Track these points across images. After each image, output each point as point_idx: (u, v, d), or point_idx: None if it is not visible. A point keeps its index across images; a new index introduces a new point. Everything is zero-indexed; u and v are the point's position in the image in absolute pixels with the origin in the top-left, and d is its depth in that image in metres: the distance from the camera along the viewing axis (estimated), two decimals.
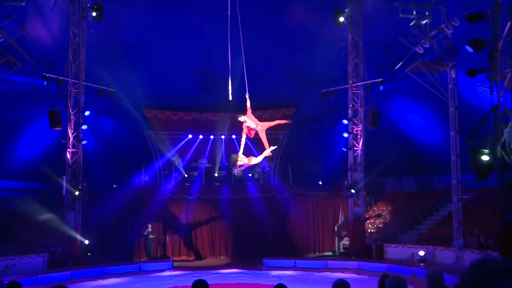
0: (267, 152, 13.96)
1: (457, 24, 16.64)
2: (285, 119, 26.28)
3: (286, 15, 22.29)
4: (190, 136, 26.45)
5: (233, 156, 14.68)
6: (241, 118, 14.06)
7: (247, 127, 13.98)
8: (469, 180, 20.27)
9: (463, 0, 17.07)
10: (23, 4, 17.55)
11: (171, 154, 26.14)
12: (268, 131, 26.29)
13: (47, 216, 21.85)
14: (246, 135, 14.05)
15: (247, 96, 14.38)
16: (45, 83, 19.95)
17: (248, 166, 14.94)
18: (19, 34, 18.04)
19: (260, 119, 26.08)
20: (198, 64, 24.46)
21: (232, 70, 22.64)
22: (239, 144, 26.60)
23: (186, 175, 26.13)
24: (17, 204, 24.11)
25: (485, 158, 14.86)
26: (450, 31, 17.05)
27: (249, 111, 14.19)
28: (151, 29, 23.02)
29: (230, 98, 15.09)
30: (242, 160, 14.13)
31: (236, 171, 14.40)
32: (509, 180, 14.10)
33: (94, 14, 19.91)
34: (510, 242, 14.11)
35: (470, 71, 15.51)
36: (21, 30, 18.17)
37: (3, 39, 16.16)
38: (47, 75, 20.00)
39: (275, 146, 14.77)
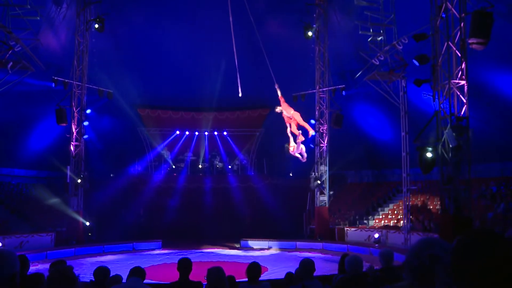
0: (300, 137, 13.82)
1: (406, 41, 17.09)
2: (260, 118, 26.74)
3: (263, 28, 22.49)
4: (177, 132, 26.72)
5: (286, 145, 14.31)
6: (278, 109, 13.83)
7: (284, 116, 13.68)
8: (416, 174, 20.54)
9: (411, 22, 17.39)
10: (38, 18, 17.87)
11: (161, 148, 26.33)
12: (245, 128, 26.75)
13: (54, 200, 22.00)
14: (289, 124, 13.80)
15: (276, 87, 14.27)
16: (53, 85, 20.04)
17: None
18: (33, 43, 18.29)
19: (239, 118, 26.69)
20: (186, 68, 24.43)
21: (216, 73, 22.86)
22: (220, 140, 27.09)
23: (174, 166, 26.31)
24: (29, 190, 24.29)
25: (429, 155, 15.30)
26: (401, 47, 17.51)
27: (281, 101, 13.93)
28: (145, 38, 22.98)
29: (240, 94, 15.19)
30: (292, 147, 14.07)
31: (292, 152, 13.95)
32: (447, 174, 14.36)
33: (96, 26, 20.21)
34: (447, 225, 14.32)
35: (417, 81, 15.94)
36: (35, 40, 18.38)
37: (20, 48, 16.36)
38: (55, 78, 20.14)
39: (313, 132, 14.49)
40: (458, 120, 14.04)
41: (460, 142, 13.78)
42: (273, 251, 21.15)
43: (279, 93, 14.07)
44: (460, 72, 14.04)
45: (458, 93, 14.20)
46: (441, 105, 14.82)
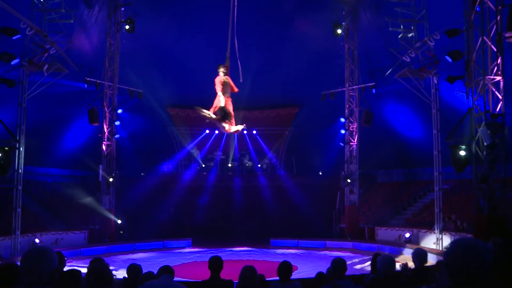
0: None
1: (438, 37, 16.70)
2: (290, 117, 26.66)
3: (293, 27, 22.41)
4: (207, 131, 26.81)
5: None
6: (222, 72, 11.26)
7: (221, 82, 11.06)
8: (448, 172, 20.21)
9: (444, 17, 17.06)
10: (71, 21, 18.27)
11: (191, 147, 26.54)
12: (274, 127, 26.71)
13: (87, 199, 22.39)
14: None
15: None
16: (85, 86, 20.42)
17: None
18: (67, 45, 18.65)
19: (268, 117, 26.66)
20: (216, 67, 24.48)
21: (245, 71, 22.87)
22: (250, 139, 26.98)
23: (203, 165, 26.50)
24: (63, 188, 24.82)
25: (462, 153, 15.09)
26: (433, 43, 17.13)
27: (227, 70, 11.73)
28: (174, 38, 23.19)
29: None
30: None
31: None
32: (482, 173, 14.11)
33: (127, 27, 20.49)
34: (481, 225, 14.10)
35: (450, 78, 15.71)
36: (69, 42, 18.79)
37: (54, 51, 16.76)
38: (88, 79, 20.52)
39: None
40: (493, 117, 13.71)
41: (495, 140, 13.49)
42: (303, 250, 21.03)
43: (227, 62, 11.73)
44: (496, 68, 13.72)
45: (493, 89, 13.89)
46: (475, 102, 14.55)
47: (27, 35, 15.76)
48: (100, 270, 2.84)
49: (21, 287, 2.33)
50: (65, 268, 5.29)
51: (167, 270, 4.76)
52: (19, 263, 2.51)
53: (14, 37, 14.69)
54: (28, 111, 17.11)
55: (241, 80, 12.27)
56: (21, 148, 16.38)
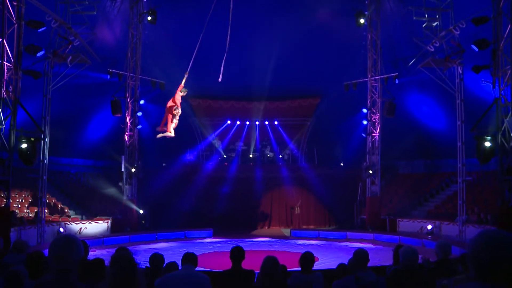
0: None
1: (464, 26, 16.34)
2: (311, 107, 26.54)
3: (314, 17, 22.23)
4: (228, 122, 26.93)
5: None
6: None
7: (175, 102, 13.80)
8: (471, 164, 19.88)
9: (470, 5, 16.72)
10: (95, 12, 18.44)
11: (212, 138, 26.64)
12: (296, 118, 26.72)
13: (110, 189, 22.79)
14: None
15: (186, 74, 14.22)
16: (108, 77, 20.60)
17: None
18: (90, 37, 18.90)
19: (289, 107, 26.59)
20: (237, 58, 24.45)
21: (266, 62, 22.81)
22: (271, 129, 27.01)
23: (225, 156, 26.59)
24: (86, 179, 25.29)
25: (487, 144, 14.83)
26: (458, 32, 16.76)
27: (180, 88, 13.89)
28: (195, 28, 23.24)
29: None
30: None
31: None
32: (507, 164, 13.95)
33: (149, 18, 20.62)
34: (506, 218, 13.90)
35: (475, 67, 15.37)
36: (92, 34, 19.02)
37: (78, 42, 16.96)
38: (110, 70, 20.66)
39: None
40: None
41: None
42: (324, 241, 21.04)
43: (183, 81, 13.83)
44: None
45: None
46: (502, 92, 14.33)
47: (51, 27, 16.00)
48: (125, 259, 2.89)
49: (49, 275, 2.40)
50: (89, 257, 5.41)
51: (190, 259, 4.80)
52: (46, 252, 2.58)
53: (39, 30, 14.92)
54: (53, 102, 17.38)
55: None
56: (46, 139, 16.69)
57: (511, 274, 1.85)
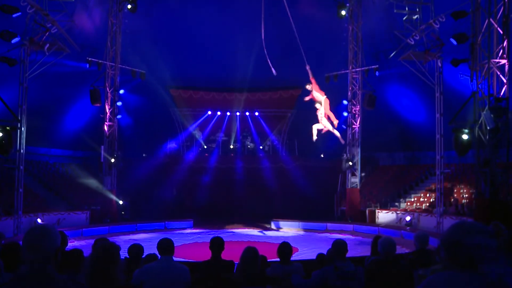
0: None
1: (444, 19, 16.51)
2: (292, 99, 26.53)
3: (296, 8, 22.16)
4: (209, 112, 26.76)
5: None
6: (309, 87, 14.34)
7: (314, 97, 14.25)
8: (450, 156, 20.27)
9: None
10: (73, 0, 18.14)
11: (193, 128, 26.50)
12: (277, 109, 26.70)
13: (89, 179, 22.51)
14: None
15: (308, 68, 14.74)
16: (87, 66, 20.29)
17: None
18: (68, 25, 18.49)
19: (270, 98, 26.58)
20: (218, 48, 24.30)
21: (248, 53, 22.75)
22: (252, 120, 27.02)
23: (205, 147, 26.47)
24: (65, 169, 24.90)
25: (465, 137, 15.04)
26: (437, 26, 16.93)
27: (313, 82, 14.46)
28: (177, 18, 23.00)
29: (275, 73, 15.58)
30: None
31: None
32: (484, 157, 14.16)
33: (129, 6, 20.38)
34: (482, 209, 14.15)
35: (454, 61, 15.55)
36: (70, 21, 18.62)
37: (56, 30, 16.62)
38: (90, 59, 20.37)
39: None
40: (497, 101, 13.67)
41: (498, 124, 13.45)
42: (304, 231, 21.16)
43: (310, 74, 14.03)
44: (501, 51, 13.62)
45: (498, 73, 13.81)
46: (479, 85, 14.50)
47: (27, 13, 15.64)
48: (107, 248, 2.85)
49: (25, 266, 2.34)
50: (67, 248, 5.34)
51: (167, 249, 4.72)
52: (21, 242, 2.53)
53: (14, 15, 14.58)
54: (30, 90, 17.05)
55: None
56: (22, 128, 16.38)
57: (477, 260, 1.92)
